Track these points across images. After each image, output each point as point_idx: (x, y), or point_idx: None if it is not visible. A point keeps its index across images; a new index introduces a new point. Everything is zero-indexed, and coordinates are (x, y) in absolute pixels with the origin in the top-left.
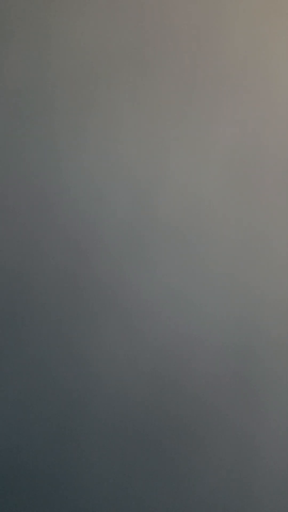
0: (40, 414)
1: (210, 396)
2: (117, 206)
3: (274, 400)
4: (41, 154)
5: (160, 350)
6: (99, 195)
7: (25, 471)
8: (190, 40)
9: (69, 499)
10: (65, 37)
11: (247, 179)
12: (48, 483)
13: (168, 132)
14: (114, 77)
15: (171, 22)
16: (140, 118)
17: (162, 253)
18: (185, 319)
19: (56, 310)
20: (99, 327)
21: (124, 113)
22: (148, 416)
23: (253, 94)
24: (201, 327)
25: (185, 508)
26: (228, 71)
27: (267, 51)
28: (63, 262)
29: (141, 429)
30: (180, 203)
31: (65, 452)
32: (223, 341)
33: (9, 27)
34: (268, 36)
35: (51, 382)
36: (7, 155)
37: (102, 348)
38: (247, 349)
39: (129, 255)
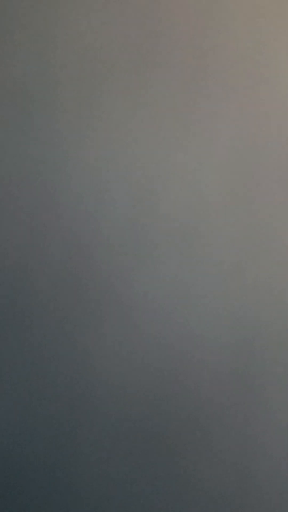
0: (42, 409)
1: (211, 391)
2: (118, 203)
3: (274, 395)
4: (43, 151)
5: (160, 346)
6: (101, 192)
7: (25, 467)
8: (191, 39)
9: (70, 496)
10: (67, 35)
11: (248, 176)
12: (48, 480)
13: (170, 130)
14: (116, 75)
15: (172, 21)
16: (142, 115)
17: (163, 249)
18: (186, 314)
19: (57, 306)
20: (100, 322)
21: (126, 111)
22: (149, 412)
23: (254, 93)
24: (201, 322)
25: (186, 503)
26: (229, 70)
27: (268, 50)
28: (64, 258)
29: (142, 425)
30: (181, 199)
31: (66, 448)
32: (223, 337)
33: (11, 25)
34: (269, 36)
35: (53, 377)
36: (9, 152)
37: (103, 343)
38: (247, 344)
39: (130, 252)
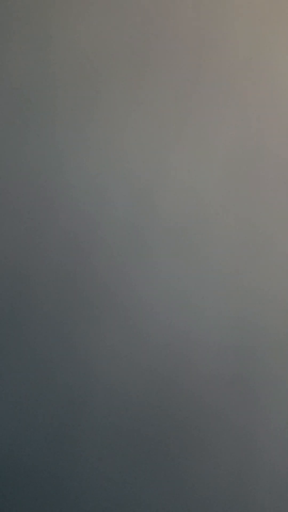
0: (40, 412)
1: (210, 395)
2: (118, 205)
3: (274, 399)
4: (42, 152)
5: (160, 349)
6: (100, 193)
7: (25, 469)
8: (192, 40)
9: (69, 499)
10: (66, 36)
11: (248, 178)
12: (48, 482)
13: (169, 131)
14: (116, 75)
15: (172, 22)
16: (142, 117)
17: (162, 251)
18: (185, 317)
19: (56, 309)
20: (99, 325)
21: (125, 112)
22: (148, 415)
23: (254, 94)
24: (201, 325)
25: (185, 507)
26: (229, 71)
27: (268, 51)
28: (63, 260)
29: (141, 428)
30: (180, 201)
31: (65, 451)
32: (223, 340)
33: (10, 26)
34: (269, 37)
35: (51, 380)
36: (8, 154)
37: (101, 346)
38: (246, 347)
39: (130, 254)
